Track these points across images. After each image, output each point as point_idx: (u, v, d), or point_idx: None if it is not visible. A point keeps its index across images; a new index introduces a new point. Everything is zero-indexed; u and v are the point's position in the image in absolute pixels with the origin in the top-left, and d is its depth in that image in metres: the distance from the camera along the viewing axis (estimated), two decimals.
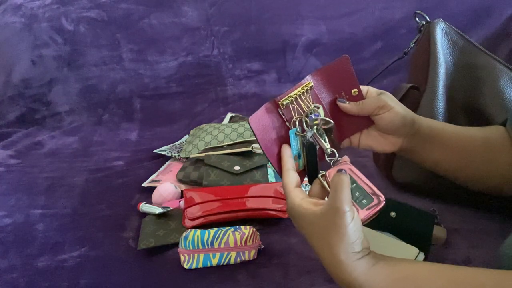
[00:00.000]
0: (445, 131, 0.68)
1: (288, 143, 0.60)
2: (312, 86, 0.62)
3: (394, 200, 0.80)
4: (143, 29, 1.54)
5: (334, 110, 0.64)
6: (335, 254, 0.49)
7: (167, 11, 1.55)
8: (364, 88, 0.65)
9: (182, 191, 1.01)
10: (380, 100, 0.62)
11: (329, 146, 0.59)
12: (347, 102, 0.63)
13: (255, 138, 1.15)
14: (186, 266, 0.80)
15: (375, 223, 0.80)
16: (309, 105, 0.62)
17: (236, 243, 0.80)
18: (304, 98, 0.61)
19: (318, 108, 0.62)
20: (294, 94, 0.61)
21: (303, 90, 0.61)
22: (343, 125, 0.65)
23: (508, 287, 0.44)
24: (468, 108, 0.89)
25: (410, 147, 0.66)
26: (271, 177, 1.07)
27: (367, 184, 0.55)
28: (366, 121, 0.65)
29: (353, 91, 0.63)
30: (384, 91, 0.65)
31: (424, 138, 0.66)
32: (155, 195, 1.01)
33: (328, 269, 0.51)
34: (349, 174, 0.54)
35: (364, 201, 0.54)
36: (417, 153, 0.68)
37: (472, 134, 0.70)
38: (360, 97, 0.64)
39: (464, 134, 0.69)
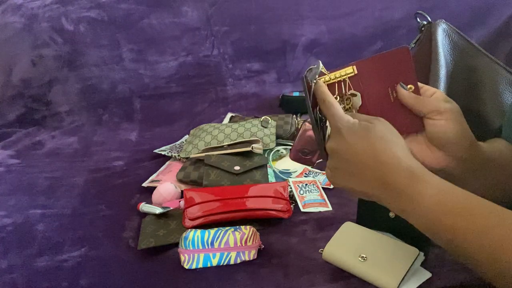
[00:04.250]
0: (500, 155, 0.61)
1: None
2: (354, 74, 0.58)
3: None
4: (143, 29, 1.54)
5: (378, 102, 0.58)
6: (401, 154, 0.51)
7: (167, 11, 1.55)
8: (431, 89, 0.58)
9: (182, 191, 1.01)
10: (443, 105, 0.56)
11: None
12: (408, 90, 0.57)
13: (254, 139, 1.16)
14: (186, 266, 0.80)
15: (375, 223, 0.80)
16: (345, 92, 0.58)
17: (236, 243, 0.80)
18: (342, 83, 0.58)
19: (355, 95, 0.58)
20: (334, 76, 0.59)
21: (341, 76, 0.58)
22: (389, 119, 0.55)
23: None
24: (466, 110, 0.89)
25: (458, 174, 0.57)
26: (271, 177, 1.08)
27: None
28: (416, 123, 0.57)
29: (408, 86, 0.57)
30: (453, 102, 0.58)
31: (478, 167, 0.58)
32: (155, 195, 1.01)
33: (390, 177, 0.50)
34: None
35: None
36: (463, 183, 0.53)
37: (501, 147, 0.64)
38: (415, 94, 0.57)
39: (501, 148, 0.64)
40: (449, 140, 0.55)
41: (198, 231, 0.81)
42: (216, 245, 0.80)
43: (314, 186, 1.04)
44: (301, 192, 1.02)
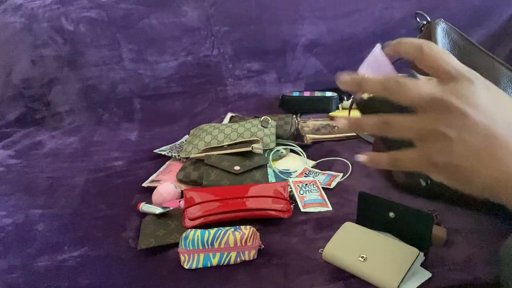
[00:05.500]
0: None
1: None
2: None
3: (393, 201, 0.80)
4: (143, 29, 1.54)
5: None
6: None
7: (167, 11, 1.55)
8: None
9: (182, 191, 1.01)
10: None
11: None
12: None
13: (254, 139, 1.16)
14: (186, 266, 0.80)
15: (375, 223, 0.80)
16: None
17: (236, 243, 0.80)
18: None
19: None
20: None
21: None
22: None
23: None
24: None
25: None
26: (271, 177, 1.08)
27: None
28: None
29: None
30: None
31: None
32: (155, 195, 1.01)
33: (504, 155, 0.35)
34: None
35: None
36: None
37: None
38: None
39: None
40: None
41: (198, 231, 0.81)
42: (216, 245, 0.80)
43: (314, 186, 1.04)
44: (301, 192, 1.02)
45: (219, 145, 1.17)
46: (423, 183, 0.74)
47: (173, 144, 1.32)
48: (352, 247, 0.76)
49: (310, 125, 1.36)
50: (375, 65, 0.53)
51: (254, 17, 1.57)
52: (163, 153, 1.25)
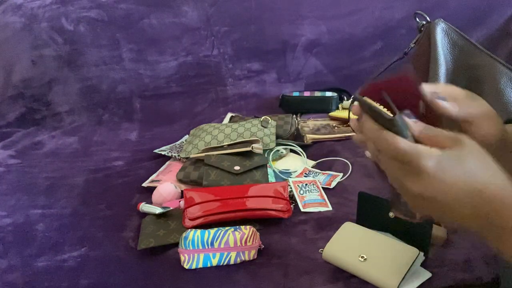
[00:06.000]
0: None
1: None
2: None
3: None
4: (143, 29, 1.54)
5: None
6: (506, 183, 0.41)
7: (167, 11, 1.55)
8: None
9: (182, 191, 1.01)
10: (483, 104, 0.53)
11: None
12: (447, 101, 0.50)
13: (254, 139, 1.16)
14: (186, 266, 0.80)
15: (375, 223, 0.80)
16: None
17: (236, 243, 0.80)
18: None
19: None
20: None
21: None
22: None
23: None
24: None
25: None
26: (271, 177, 1.08)
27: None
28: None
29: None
30: (470, 92, 0.53)
31: (505, 145, 0.54)
32: (155, 195, 1.01)
33: (490, 211, 0.41)
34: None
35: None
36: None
37: None
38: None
39: None
40: (497, 135, 0.52)
41: (198, 231, 0.81)
42: (216, 245, 0.80)
43: (314, 186, 1.04)
44: (301, 192, 1.02)
45: (219, 145, 1.17)
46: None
47: (173, 144, 1.32)
48: (352, 247, 0.76)
49: (310, 125, 1.36)
50: None
51: (254, 17, 1.57)
52: (163, 153, 1.25)
